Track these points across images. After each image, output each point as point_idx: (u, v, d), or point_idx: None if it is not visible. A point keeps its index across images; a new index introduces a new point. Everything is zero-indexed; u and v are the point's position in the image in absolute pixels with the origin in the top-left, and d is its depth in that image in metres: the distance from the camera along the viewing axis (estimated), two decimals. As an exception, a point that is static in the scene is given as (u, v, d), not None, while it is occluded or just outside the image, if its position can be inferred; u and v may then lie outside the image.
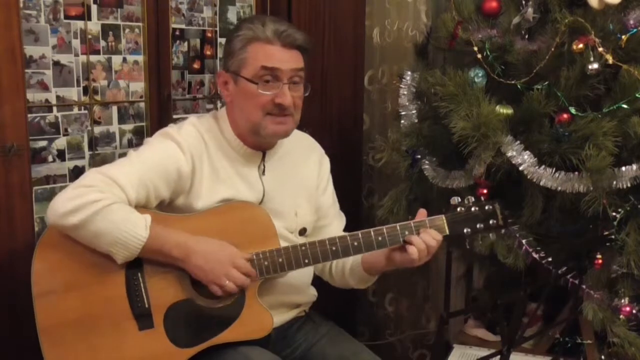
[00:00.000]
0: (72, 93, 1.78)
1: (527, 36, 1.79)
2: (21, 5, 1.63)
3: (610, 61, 1.58)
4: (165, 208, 1.52)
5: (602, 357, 1.82)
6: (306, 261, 1.48)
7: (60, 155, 1.78)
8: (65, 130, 1.78)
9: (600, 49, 1.58)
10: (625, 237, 1.62)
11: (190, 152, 1.50)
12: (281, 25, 1.51)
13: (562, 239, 1.77)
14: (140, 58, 1.91)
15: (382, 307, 2.69)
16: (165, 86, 1.96)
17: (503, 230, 1.57)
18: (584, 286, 1.70)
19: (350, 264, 1.65)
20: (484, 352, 1.72)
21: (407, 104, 1.99)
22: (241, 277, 1.44)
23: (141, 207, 1.46)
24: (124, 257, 1.40)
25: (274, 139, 1.57)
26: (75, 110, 1.80)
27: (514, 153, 1.68)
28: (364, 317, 2.68)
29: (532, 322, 1.84)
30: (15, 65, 1.61)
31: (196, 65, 2.05)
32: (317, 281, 1.73)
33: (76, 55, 1.77)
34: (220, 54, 2.09)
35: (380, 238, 1.48)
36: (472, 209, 1.52)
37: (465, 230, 1.51)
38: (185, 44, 2.01)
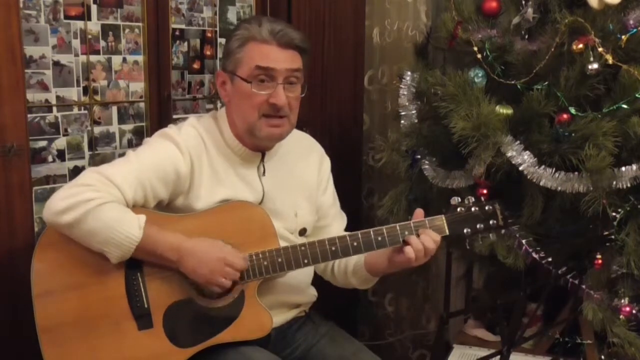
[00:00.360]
0: (72, 93, 1.78)
1: (527, 36, 1.79)
2: (21, 5, 1.63)
3: (610, 61, 1.58)
4: (165, 208, 1.52)
5: (602, 357, 1.81)
6: (305, 261, 1.48)
7: (60, 155, 1.78)
8: (65, 130, 1.78)
9: (600, 49, 1.58)
10: (625, 237, 1.61)
11: (189, 153, 1.50)
12: (278, 25, 1.50)
13: (562, 239, 1.77)
14: (140, 58, 1.91)
15: (382, 307, 2.69)
16: (165, 86, 1.96)
17: (503, 231, 1.57)
18: (584, 286, 1.69)
19: (352, 264, 1.65)
20: (484, 352, 1.72)
21: (407, 104, 1.99)
22: (235, 272, 1.43)
23: (139, 207, 1.46)
24: (117, 257, 1.40)
25: (269, 142, 1.56)
26: (75, 111, 1.80)
27: (514, 153, 1.67)
28: (364, 317, 2.68)
29: (532, 322, 1.84)
30: (15, 65, 1.61)
31: (196, 66, 2.05)
32: (317, 281, 1.73)
33: (76, 55, 1.77)
34: (220, 54, 2.09)
35: (379, 238, 1.48)
36: (472, 209, 1.52)
37: (465, 231, 1.51)
38: (185, 44, 2.01)
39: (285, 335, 1.64)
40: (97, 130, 1.85)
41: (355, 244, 1.49)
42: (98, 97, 1.84)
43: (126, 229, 1.38)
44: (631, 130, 1.58)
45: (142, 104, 1.94)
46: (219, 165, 1.55)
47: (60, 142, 1.78)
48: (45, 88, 1.73)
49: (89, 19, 1.79)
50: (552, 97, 1.68)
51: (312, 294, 1.72)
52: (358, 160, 2.55)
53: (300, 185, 1.65)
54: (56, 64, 1.74)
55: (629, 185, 1.59)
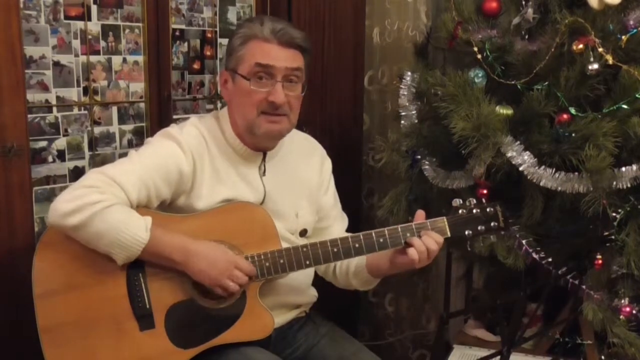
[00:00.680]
0: (72, 93, 1.78)
1: (527, 36, 1.79)
2: (21, 5, 1.63)
3: (610, 61, 1.58)
4: (167, 208, 1.52)
5: (602, 357, 1.82)
6: (307, 262, 1.48)
7: (60, 155, 1.78)
8: (65, 130, 1.78)
9: (600, 49, 1.58)
10: (625, 237, 1.62)
11: (191, 152, 1.50)
12: (279, 24, 1.51)
13: (562, 239, 1.77)
14: (140, 58, 1.91)
15: (382, 307, 2.69)
16: (165, 86, 1.96)
17: (503, 233, 1.57)
18: (584, 286, 1.69)
19: (354, 265, 1.65)
20: (484, 352, 1.72)
21: (407, 104, 1.99)
22: (243, 276, 1.44)
23: (142, 207, 1.46)
24: (123, 259, 1.40)
25: (268, 139, 1.56)
26: (75, 111, 1.80)
27: (514, 153, 1.68)
28: (364, 317, 2.68)
29: (532, 322, 1.84)
30: (15, 66, 1.61)
31: (196, 66, 2.05)
32: (317, 282, 1.73)
33: (76, 55, 1.77)
34: (220, 54, 2.09)
35: (381, 240, 1.48)
36: (474, 211, 1.52)
37: (466, 232, 1.51)
38: (185, 44, 2.01)
39: (285, 335, 1.64)
40: (97, 130, 1.85)
41: (357, 245, 1.49)
42: (98, 98, 1.84)
43: (133, 231, 1.38)
44: (631, 130, 1.58)
45: (142, 105, 1.94)
46: (221, 165, 1.55)
47: (61, 143, 1.78)
48: (45, 88, 1.72)
49: (89, 19, 1.78)
50: (552, 98, 1.68)
51: (313, 294, 1.72)
52: (358, 160, 2.55)
53: (301, 186, 1.65)
54: (56, 64, 1.74)
55: (629, 185, 1.59)
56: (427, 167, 1.91)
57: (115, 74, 1.87)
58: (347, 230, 1.74)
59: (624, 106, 1.61)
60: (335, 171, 1.77)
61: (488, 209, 1.52)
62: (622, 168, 1.60)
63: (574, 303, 1.78)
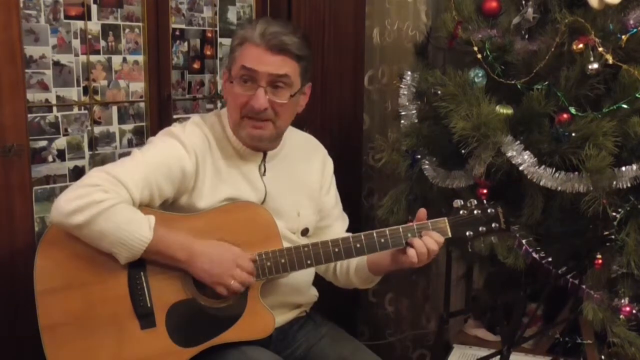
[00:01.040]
0: (72, 93, 1.78)
1: (527, 36, 1.79)
2: (21, 5, 1.63)
3: (610, 61, 1.58)
4: (168, 207, 1.52)
5: (602, 357, 1.82)
6: (309, 262, 1.48)
7: (60, 155, 1.78)
8: (65, 130, 1.78)
9: (600, 49, 1.59)
10: (625, 237, 1.62)
11: (194, 151, 1.50)
12: (272, 28, 1.47)
13: (562, 239, 1.77)
14: (140, 58, 1.91)
15: (382, 307, 2.69)
16: (165, 86, 1.96)
17: (504, 234, 1.57)
18: (584, 286, 1.70)
19: (355, 264, 1.65)
20: (484, 352, 1.73)
21: (407, 104, 1.99)
22: (247, 276, 1.44)
23: (145, 206, 1.46)
24: (127, 258, 1.40)
25: (251, 142, 1.54)
26: (75, 110, 1.80)
27: (514, 153, 1.68)
28: (364, 317, 2.68)
29: (532, 322, 1.84)
30: (15, 65, 1.61)
31: (196, 65, 2.05)
32: (318, 282, 1.73)
33: (76, 55, 1.77)
34: (220, 54, 2.09)
35: (382, 240, 1.48)
36: (475, 211, 1.52)
37: (467, 233, 1.51)
38: (185, 44, 2.01)
39: (286, 335, 1.64)
40: (97, 130, 1.85)
41: (358, 245, 1.49)
42: (98, 97, 1.84)
43: (137, 230, 1.38)
44: (631, 130, 1.58)
45: (142, 104, 1.94)
46: (222, 164, 1.55)
47: (61, 142, 1.78)
48: (45, 88, 1.72)
49: (89, 18, 1.78)
50: (552, 97, 1.68)
51: (313, 294, 1.72)
52: (358, 160, 2.54)
53: (302, 185, 1.65)
54: (56, 63, 1.74)
55: (629, 185, 1.60)
56: (427, 166, 1.91)
57: (115, 73, 1.87)
58: (347, 230, 1.74)
59: (624, 106, 1.61)
60: (336, 171, 1.77)
61: (489, 210, 1.52)
62: (622, 168, 1.60)
63: (574, 303, 1.79)
